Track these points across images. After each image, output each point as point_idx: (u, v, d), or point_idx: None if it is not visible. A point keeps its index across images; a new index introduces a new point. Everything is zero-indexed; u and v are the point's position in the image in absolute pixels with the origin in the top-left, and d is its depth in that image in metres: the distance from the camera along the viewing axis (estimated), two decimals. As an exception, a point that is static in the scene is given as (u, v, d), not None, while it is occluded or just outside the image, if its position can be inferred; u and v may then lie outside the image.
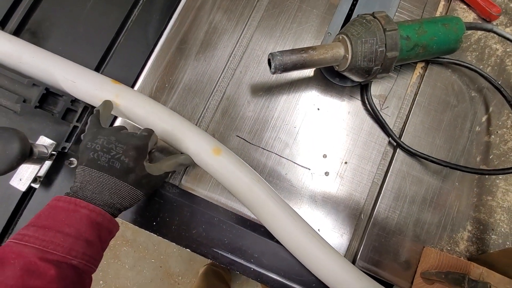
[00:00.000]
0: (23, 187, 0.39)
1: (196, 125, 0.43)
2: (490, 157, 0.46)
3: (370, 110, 0.45)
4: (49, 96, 0.39)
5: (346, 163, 0.44)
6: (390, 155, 0.46)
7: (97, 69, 0.45)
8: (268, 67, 0.38)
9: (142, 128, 0.38)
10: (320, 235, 0.39)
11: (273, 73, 0.37)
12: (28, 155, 0.35)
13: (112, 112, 0.39)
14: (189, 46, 0.45)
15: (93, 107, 0.43)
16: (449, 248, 0.43)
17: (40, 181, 0.41)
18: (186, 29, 0.46)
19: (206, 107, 0.45)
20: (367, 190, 0.44)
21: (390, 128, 0.44)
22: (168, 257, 1.29)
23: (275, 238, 0.43)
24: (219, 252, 0.42)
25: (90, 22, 0.45)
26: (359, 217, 0.43)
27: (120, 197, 0.32)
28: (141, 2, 0.47)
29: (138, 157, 0.32)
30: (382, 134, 0.45)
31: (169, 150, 0.43)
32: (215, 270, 1.09)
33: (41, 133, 0.40)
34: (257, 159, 0.44)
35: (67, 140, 0.41)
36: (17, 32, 0.44)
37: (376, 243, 0.43)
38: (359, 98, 0.46)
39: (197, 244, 0.42)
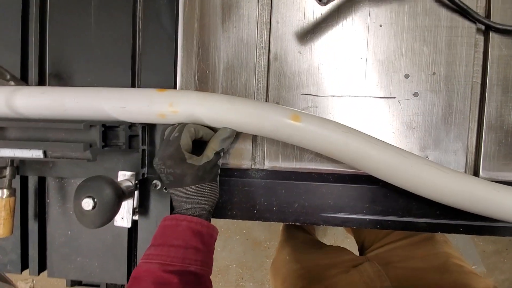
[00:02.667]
0: (127, 224, 0.40)
1: (255, 100, 0.39)
2: None
3: (444, -1, 0.36)
4: (108, 131, 0.37)
5: (434, 74, 0.38)
6: (483, 44, 0.38)
7: (134, 84, 0.41)
8: (314, 1, 0.32)
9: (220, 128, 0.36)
10: (432, 162, 0.35)
11: (325, 3, 0.31)
12: (122, 195, 0.34)
13: (176, 122, 0.36)
14: (211, 18, 0.39)
15: (152, 124, 0.41)
16: None
17: (137, 212, 0.42)
18: (200, 0, 0.39)
19: (257, 77, 0.40)
20: (469, 94, 0.38)
21: (473, 11, 0.36)
22: (250, 229, 1.36)
23: (380, 181, 0.39)
24: (329, 215, 0.41)
25: (102, 40, 0.41)
26: (468, 128, 0.38)
27: (197, 201, 0.34)
28: (140, -8, 0.41)
29: (175, 162, 0.33)
30: (467, 23, 0.37)
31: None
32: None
33: (118, 169, 0.39)
34: (334, 109, 0.39)
35: (142, 166, 0.40)
36: (41, 82, 0.42)
37: (497, 147, 0.37)
38: (425, -8, 0.37)
39: (303, 216, 0.41)
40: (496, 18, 0.37)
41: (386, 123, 0.38)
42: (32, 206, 0.43)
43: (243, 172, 0.42)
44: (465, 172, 0.38)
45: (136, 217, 0.42)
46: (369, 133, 0.38)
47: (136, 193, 0.41)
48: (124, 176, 0.39)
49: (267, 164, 0.40)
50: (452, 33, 0.37)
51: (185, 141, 0.34)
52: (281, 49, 0.39)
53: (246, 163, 0.41)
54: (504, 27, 0.36)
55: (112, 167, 0.39)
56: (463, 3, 0.36)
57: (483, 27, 0.37)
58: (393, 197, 0.40)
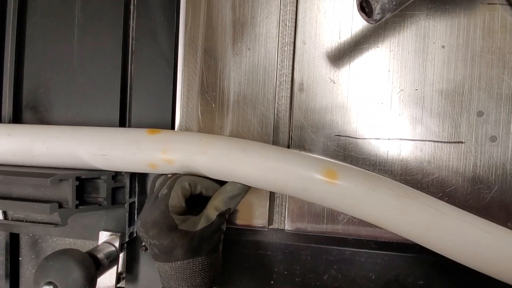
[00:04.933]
0: (110, 295, 0.31)
1: (273, 143, 0.31)
2: None
3: (535, 11, 0.27)
4: (84, 183, 0.29)
5: (520, 110, 0.28)
6: None
7: (122, 120, 0.33)
8: (360, 15, 0.23)
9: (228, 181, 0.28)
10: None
11: (378, 20, 0.22)
12: (95, 272, 0.26)
13: (171, 173, 0.28)
14: (219, 38, 0.31)
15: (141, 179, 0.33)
16: None
17: (124, 278, 0.33)
18: (205, 16, 0.31)
19: (277, 112, 0.31)
20: None
21: None
22: None
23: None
24: (370, 292, 0.31)
25: (87, 65, 0.33)
26: None
27: (191, 281, 0.25)
28: (132, 8, 0.33)
29: (161, 231, 0.25)
30: None
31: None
32: None
33: (99, 228, 0.31)
34: (378, 156, 0.29)
35: (130, 224, 0.32)
36: (16, 115, 0.34)
37: None
38: (505, 2, 0.28)
39: (336, 290, 0.32)
40: None
41: (450, 177, 0.28)
42: (3, 264, 0.36)
43: (257, 232, 0.33)
44: None
45: (122, 284, 0.33)
46: (428, 191, 0.29)
47: (122, 255, 0.33)
48: (104, 238, 0.31)
49: (289, 225, 0.31)
50: (547, 56, 0.27)
51: (175, 201, 0.25)
52: (309, 77, 0.30)
53: (261, 222, 0.32)
54: None
55: (92, 225, 0.31)
56: None
57: None
58: (457, 273, 0.30)
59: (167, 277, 0.26)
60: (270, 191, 0.31)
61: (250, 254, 0.33)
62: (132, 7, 0.33)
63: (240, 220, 0.32)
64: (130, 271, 0.34)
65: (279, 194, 0.32)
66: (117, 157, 0.27)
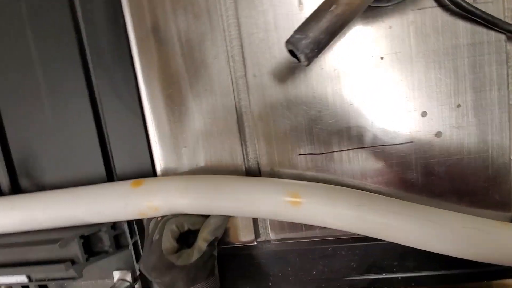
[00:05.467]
0: (133, 322, 0.37)
1: (245, 171, 0.34)
2: None
3: (459, 10, 0.28)
4: (89, 238, 0.33)
5: (459, 106, 0.30)
6: (518, 55, 0.29)
7: (109, 171, 0.37)
8: (293, 59, 0.25)
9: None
10: (472, 218, 0.29)
11: (308, 64, 0.24)
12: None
13: (160, 216, 0.32)
14: (176, 85, 0.33)
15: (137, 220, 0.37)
16: None
17: (143, 304, 0.39)
18: (159, 66, 0.33)
19: (244, 142, 0.34)
20: (506, 122, 0.30)
21: (501, 20, 0.28)
22: None
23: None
24: (354, 278, 0.36)
25: (63, 129, 0.36)
26: (510, 163, 0.31)
27: None
28: (91, 69, 0.35)
29: (161, 271, 0.29)
30: (493, 35, 0.29)
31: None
32: None
33: (111, 269, 0.36)
34: (340, 167, 0.33)
35: (137, 260, 0.36)
36: (15, 187, 0.38)
37: (551, 182, 0.30)
38: (434, 4, 0.29)
39: (325, 282, 0.37)
40: (532, 18, 0.28)
41: (406, 175, 0.32)
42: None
43: (248, 246, 0.37)
44: (513, 217, 0.31)
45: (142, 310, 0.39)
46: (387, 192, 0.32)
47: (137, 285, 0.38)
48: (118, 276, 0.36)
49: (273, 237, 0.35)
50: (476, 52, 0.29)
51: (167, 243, 0.30)
52: (265, 106, 0.33)
53: (249, 237, 0.36)
54: (544, 30, 0.27)
55: (106, 267, 0.36)
56: (484, 12, 0.27)
57: (515, 34, 0.29)
58: (426, 251, 0.34)
59: None
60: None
61: (247, 265, 0.38)
62: (91, 67, 0.35)
63: (232, 239, 0.36)
64: (147, 297, 0.39)
65: (259, 213, 0.35)
66: (111, 213, 0.31)
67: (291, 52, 0.24)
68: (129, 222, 0.36)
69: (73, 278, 0.31)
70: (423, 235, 0.28)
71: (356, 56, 0.31)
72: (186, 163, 0.35)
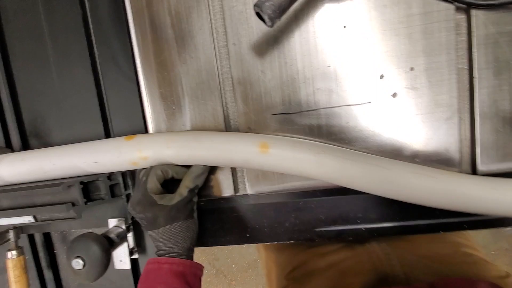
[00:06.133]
0: (127, 265, 0.41)
1: (225, 129, 0.38)
2: None
3: (411, -16, 0.32)
4: (88, 185, 0.38)
5: (412, 69, 0.34)
6: (465, 25, 0.33)
7: (107, 131, 0.42)
8: (261, 22, 0.29)
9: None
10: (419, 167, 0.33)
11: (271, 26, 0.28)
12: (109, 247, 0.35)
13: (147, 165, 0.36)
14: (166, 53, 0.38)
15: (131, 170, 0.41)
16: None
17: (136, 251, 0.43)
18: (151, 37, 0.38)
19: (224, 104, 0.38)
20: (455, 83, 0.34)
21: (449, -10, 0.32)
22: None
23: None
24: (322, 229, 0.40)
25: (68, 94, 0.41)
26: (459, 120, 0.34)
27: (174, 240, 0.34)
28: (94, 41, 0.40)
29: (145, 207, 0.34)
30: (443, 5, 0.33)
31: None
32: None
33: (107, 217, 0.40)
34: (308, 125, 0.37)
35: (130, 210, 0.41)
36: (25, 144, 0.43)
37: (495, 137, 0.34)
38: (389, -22, 0.33)
39: (297, 233, 0.40)
40: (477, -9, 0.32)
41: (367, 130, 0.36)
42: (43, 258, 0.46)
43: (228, 200, 0.42)
44: (461, 169, 0.35)
45: (136, 256, 0.43)
46: (349, 145, 0.36)
47: (130, 234, 0.42)
48: (114, 223, 0.40)
49: (250, 190, 0.40)
50: (427, 20, 0.33)
51: (152, 184, 0.34)
52: (243, 71, 0.37)
53: (229, 192, 0.40)
54: (487, 2, 0.31)
55: (102, 215, 0.41)
56: (434, -16, 0.31)
57: (463, 6, 0.33)
58: (386, 203, 0.38)
59: (156, 240, 0.35)
60: (232, 168, 0.39)
61: (227, 218, 0.42)
62: (93, 39, 0.40)
63: (214, 193, 0.41)
64: (139, 245, 0.44)
65: (239, 169, 0.40)
66: (107, 162, 0.36)
67: (258, 15, 0.29)
68: (123, 175, 0.40)
69: (73, 218, 0.36)
70: (375, 180, 0.32)
71: (322, 25, 0.35)
72: (174, 124, 0.39)
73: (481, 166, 0.35)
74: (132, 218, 0.42)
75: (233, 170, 0.40)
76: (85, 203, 0.36)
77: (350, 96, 0.36)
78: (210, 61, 0.37)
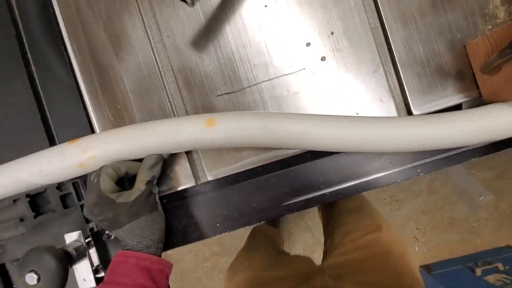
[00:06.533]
0: (92, 284, 0.38)
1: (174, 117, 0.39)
2: None
3: (315, -39, 0.36)
4: (35, 198, 0.35)
5: (332, 33, 0.37)
6: (368, -12, 0.38)
7: (52, 142, 0.40)
8: (183, 4, 0.31)
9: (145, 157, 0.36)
10: (364, 116, 0.35)
11: (192, 3, 0.30)
12: (68, 260, 0.33)
13: (97, 167, 0.35)
14: (103, 55, 0.39)
15: (83, 177, 0.40)
16: (490, 27, 0.37)
17: (101, 268, 0.40)
18: (86, 41, 0.39)
19: (169, 94, 0.39)
20: (372, 40, 0.37)
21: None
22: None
23: (324, 153, 0.39)
24: (289, 203, 0.40)
25: (6, 112, 0.40)
26: (384, 72, 0.38)
27: (141, 235, 0.33)
28: (28, 54, 0.40)
29: (103, 208, 0.33)
30: (345, -25, 0.37)
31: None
32: (263, 233, 1.05)
33: (62, 233, 0.38)
34: (252, 100, 0.38)
35: (88, 221, 0.39)
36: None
37: (418, 81, 0.37)
38: (296, -40, 0.37)
39: (266, 211, 0.40)
40: (372, -40, 0.37)
41: (307, 95, 0.38)
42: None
43: (191, 191, 0.41)
44: (398, 114, 0.38)
45: (101, 274, 0.40)
46: (293, 111, 0.38)
47: (93, 249, 0.39)
48: (71, 238, 0.38)
49: (210, 175, 0.39)
50: (335, -11, 0.37)
51: (105, 184, 0.33)
52: (181, 60, 0.38)
53: (190, 181, 0.40)
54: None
55: (57, 232, 0.38)
56: (334, -42, 0.36)
57: (363, -27, 0.37)
58: (343, 163, 0.39)
59: (123, 238, 0.33)
60: (186, 153, 0.39)
61: (194, 211, 0.41)
62: (28, 55, 0.40)
63: (175, 186, 0.40)
64: (105, 261, 0.41)
65: (194, 154, 0.40)
66: (52, 169, 0.34)
67: (180, -2, 0.31)
68: (75, 185, 0.39)
69: (23, 234, 0.33)
70: (323, 136, 0.33)
71: (246, 8, 0.38)
72: (121, 122, 0.39)
73: (414, 110, 0.37)
74: (91, 231, 0.39)
75: (190, 159, 0.40)
76: (34, 217, 0.34)
77: (285, 67, 0.38)
78: (147, 55, 0.39)
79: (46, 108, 0.40)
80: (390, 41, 0.37)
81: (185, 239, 0.41)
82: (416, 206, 1.29)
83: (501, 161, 1.27)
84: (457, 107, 0.38)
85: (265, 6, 0.38)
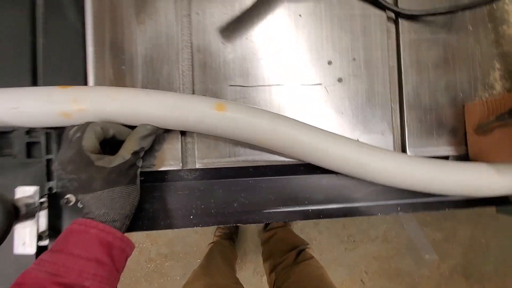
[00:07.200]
0: (31, 250, 0.33)
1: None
2: (490, -15, 0.41)
3: (354, -10, 0.38)
4: (-3, 139, 0.31)
5: (354, 59, 0.39)
6: (394, 30, 0.40)
7: (34, 82, 0.36)
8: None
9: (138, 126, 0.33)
10: (363, 143, 0.36)
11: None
12: (14, 214, 0.28)
13: (82, 121, 0.32)
14: (123, 10, 0.36)
15: (58, 128, 0.35)
16: (487, 95, 0.41)
17: (47, 236, 0.35)
18: (110, -9, 0.36)
19: (181, 70, 0.37)
20: (387, 76, 0.39)
21: (382, 0, 0.38)
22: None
23: (318, 169, 0.39)
24: (271, 211, 0.39)
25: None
26: (391, 108, 0.39)
27: (111, 206, 0.30)
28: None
29: (78, 166, 0.29)
30: (378, 11, 0.39)
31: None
32: (220, 249, 1.08)
33: (15, 185, 0.33)
34: (263, 99, 0.38)
35: (49, 179, 0.34)
36: None
37: (419, 125, 0.39)
38: (337, -17, 0.39)
39: (245, 215, 0.38)
40: (403, 4, 0.40)
41: (315, 109, 0.38)
42: None
43: (174, 175, 0.38)
44: (394, 150, 0.39)
45: (45, 242, 0.35)
46: (299, 120, 0.38)
47: (44, 212, 0.34)
48: (24, 193, 0.33)
49: (199, 163, 0.37)
50: (366, 21, 0.39)
51: (89, 141, 0.29)
52: (204, 40, 0.37)
53: (176, 164, 0.37)
54: (411, 13, 0.39)
55: (7, 182, 0.33)
56: (371, -7, 0.38)
57: (393, 15, 0.40)
58: (333, 185, 0.39)
59: (88, 205, 0.29)
60: (181, 133, 0.37)
61: (171, 197, 0.38)
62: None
63: (157, 165, 0.37)
64: (54, 229, 0.36)
65: (189, 135, 0.37)
66: (29, 109, 0.30)
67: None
68: (48, 135, 0.34)
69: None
70: (324, 152, 0.33)
71: (281, 12, 0.38)
72: (121, 84, 0.36)
73: (409, 150, 0.39)
74: (49, 190, 0.35)
75: (183, 141, 0.37)
76: (-12, 157, 0.29)
77: (302, 77, 0.38)
78: (170, 25, 0.37)
79: (39, 44, 0.36)
80: (403, 82, 0.39)
81: (151, 225, 0.38)
82: (370, 251, 1.33)
83: (450, 226, 1.38)
84: (445, 158, 0.40)
85: (300, 15, 0.38)
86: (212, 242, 1.14)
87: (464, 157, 0.40)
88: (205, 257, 0.95)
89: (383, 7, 0.39)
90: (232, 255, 1.11)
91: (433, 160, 0.36)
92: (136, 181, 0.32)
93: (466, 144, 0.40)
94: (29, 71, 0.35)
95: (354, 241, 1.34)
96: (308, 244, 0.82)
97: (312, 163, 0.35)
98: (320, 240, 1.31)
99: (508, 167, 0.35)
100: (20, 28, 0.35)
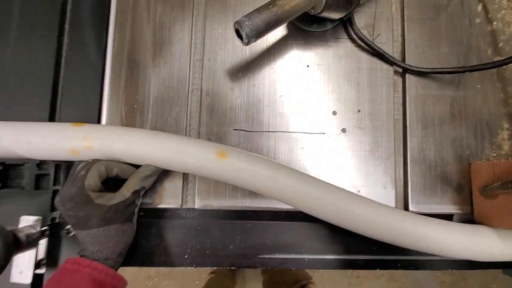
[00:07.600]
0: (27, 280, 0.33)
1: (185, 136, 0.38)
2: (500, 46, 0.42)
3: (363, 44, 0.40)
4: (9, 169, 0.32)
5: (359, 111, 0.39)
6: (401, 84, 0.41)
7: (53, 119, 0.38)
8: (238, 39, 0.32)
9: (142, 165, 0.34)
10: (363, 197, 0.35)
11: (247, 43, 0.32)
12: (14, 245, 0.29)
13: (91, 158, 0.33)
14: (141, 53, 0.39)
15: (67, 162, 0.37)
16: (494, 155, 0.40)
17: (44, 264, 0.36)
18: (130, 36, 0.39)
19: (189, 112, 0.39)
20: (392, 130, 0.39)
21: (390, 55, 0.39)
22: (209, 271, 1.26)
23: (317, 218, 0.38)
24: (266, 256, 0.38)
25: (19, 69, 0.38)
26: (395, 162, 0.39)
27: (105, 244, 0.30)
28: (67, 24, 0.39)
29: (77, 204, 0.30)
30: (385, 66, 0.40)
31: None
32: (219, 279, 1.05)
33: (20, 214, 0.34)
34: (266, 145, 0.38)
35: (53, 209, 0.35)
36: None
37: (422, 180, 0.39)
38: (346, 37, 0.41)
39: (240, 258, 0.38)
40: (411, 61, 0.40)
41: (318, 158, 0.38)
42: None
43: (172, 212, 0.39)
44: (396, 205, 0.39)
45: (42, 271, 0.35)
46: (301, 168, 0.38)
47: (44, 241, 0.35)
48: (26, 222, 0.34)
49: (198, 203, 0.38)
50: (372, 74, 0.40)
51: (92, 180, 0.30)
52: (213, 85, 0.39)
53: (175, 202, 0.38)
54: (418, 69, 0.39)
55: (12, 211, 0.34)
56: (379, 48, 0.39)
57: (400, 70, 0.41)
58: (331, 234, 0.39)
59: (84, 242, 0.30)
60: (184, 176, 0.38)
61: (167, 234, 0.38)
62: (67, 19, 0.39)
63: (157, 201, 0.37)
64: (52, 257, 0.36)
65: (190, 176, 0.38)
66: (42, 144, 0.32)
67: (237, 33, 0.32)
68: (57, 168, 0.36)
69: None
70: (324, 205, 0.33)
71: (289, 61, 0.40)
72: (132, 122, 0.38)
73: (411, 206, 0.39)
74: (52, 221, 0.36)
75: (184, 180, 0.38)
76: (0, 187, 0.31)
77: (307, 125, 0.39)
78: (183, 69, 0.39)
79: (61, 81, 0.38)
80: (408, 136, 0.39)
81: (146, 261, 0.38)
82: (374, 289, 1.27)
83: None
84: (449, 217, 0.39)
85: (307, 66, 0.40)
86: (212, 272, 1.12)
87: (469, 216, 0.39)
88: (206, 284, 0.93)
89: (391, 63, 0.40)
90: (232, 282, 1.09)
91: (436, 220, 0.35)
92: (133, 219, 0.33)
93: (471, 203, 0.39)
94: (49, 102, 0.38)
95: (358, 277, 1.28)
96: (311, 278, 0.80)
97: (312, 215, 0.34)
98: (323, 273, 1.26)
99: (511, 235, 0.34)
100: (45, 61, 0.38)
